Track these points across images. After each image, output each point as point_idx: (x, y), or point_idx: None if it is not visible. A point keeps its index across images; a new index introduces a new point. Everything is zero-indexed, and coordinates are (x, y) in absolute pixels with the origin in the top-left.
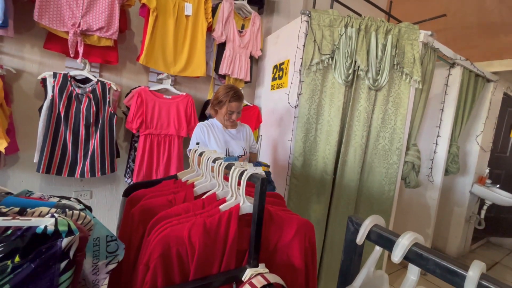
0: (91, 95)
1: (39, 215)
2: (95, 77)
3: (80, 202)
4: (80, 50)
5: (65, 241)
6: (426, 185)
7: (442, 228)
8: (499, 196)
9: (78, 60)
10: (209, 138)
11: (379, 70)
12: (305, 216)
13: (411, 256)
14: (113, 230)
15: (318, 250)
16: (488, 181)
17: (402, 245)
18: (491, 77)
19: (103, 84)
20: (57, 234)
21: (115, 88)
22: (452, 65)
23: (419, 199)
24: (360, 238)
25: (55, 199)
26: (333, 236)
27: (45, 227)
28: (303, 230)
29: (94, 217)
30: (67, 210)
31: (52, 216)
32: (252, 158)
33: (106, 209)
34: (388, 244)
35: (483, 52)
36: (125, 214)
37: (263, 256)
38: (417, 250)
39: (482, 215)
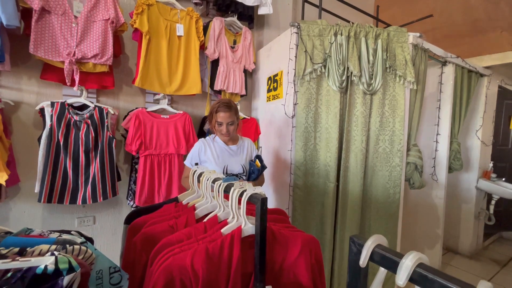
0: (89, 121)
1: (39, 254)
2: (92, 103)
3: (81, 234)
4: (76, 78)
5: (66, 279)
6: (430, 184)
7: (452, 227)
8: (505, 189)
9: (75, 88)
10: (206, 155)
11: (372, 75)
12: (312, 226)
13: (416, 278)
14: (118, 255)
15: (328, 261)
16: (493, 175)
17: (406, 266)
18: (484, 72)
19: (101, 109)
20: (58, 272)
21: (112, 112)
22: (444, 63)
23: (425, 199)
24: (363, 261)
25: (55, 235)
26: (342, 245)
27: (45, 266)
28: (308, 247)
29: (96, 249)
30: (67, 245)
31: (52, 254)
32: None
33: (110, 234)
34: (391, 265)
35: (473, 48)
36: (127, 243)
37: (269, 277)
38: (421, 271)
39: (491, 210)
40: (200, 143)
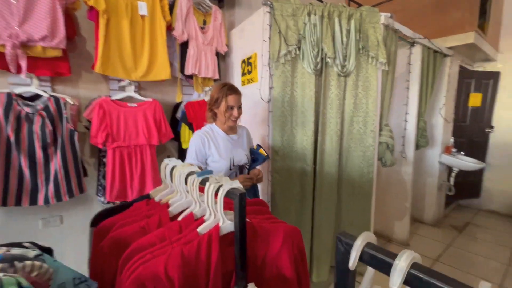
0: (44, 113)
1: None
2: (46, 92)
3: (36, 245)
4: (23, 64)
5: None
6: (400, 161)
7: (418, 199)
8: (464, 162)
9: (23, 75)
10: (210, 148)
11: (346, 56)
12: (291, 209)
13: (409, 279)
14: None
15: (308, 241)
16: (454, 149)
17: (400, 268)
18: (447, 52)
19: (57, 99)
20: None
21: (71, 102)
22: (412, 44)
23: (395, 176)
24: (353, 263)
25: (2, 250)
26: (319, 224)
27: None
28: (290, 238)
29: (55, 260)
30: (16, 262)
31: None
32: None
33: (80, 233)
34: (383, 266)
35: (438, 29)
36: (94, 249)
37: (251, 273)
38: (416, 273)
39: (452, 182)
40: (200, 136)
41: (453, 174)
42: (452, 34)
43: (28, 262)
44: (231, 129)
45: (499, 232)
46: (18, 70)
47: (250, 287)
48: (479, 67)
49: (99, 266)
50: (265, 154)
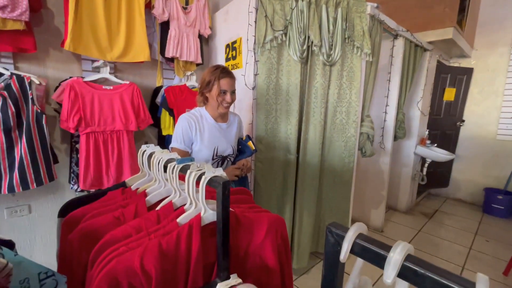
0: (5, 93)
1: None
2: (7, 70)
3: None
4: None
5: None
6: (379, 152)
7: (393, 188)
8: (436, 153)
9: None
10: (195, 135)
11: (332, 45)
12: (273, 197)
13: (404, 272)
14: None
15: (289, 228)
16: (428, 141)
17: (395, 261)
18: (427, 46)
19: (20, 78)
20: None
21: (37, 82)
22: (396, 36)
23: (373, 165)
24: (344, 256)
25: None
26: (301, 212)
27: None
28: (274, 228)
29: (16, 254)
30: None
31: None
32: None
33: (52, 222)
34: (375, 258)
35: (420, 23)
36: (62, 241)
37: (234, 263)
38: (410, 265)
39: (424, 172)
40: (187, 119)
41: (426, 165)
42: (432, 29)
43: None
44: (222, 117)
45: (464, 218)
46: None
47: (232, 278)
48: (455, 62)
49: (68, 260)
50: (253, 148)
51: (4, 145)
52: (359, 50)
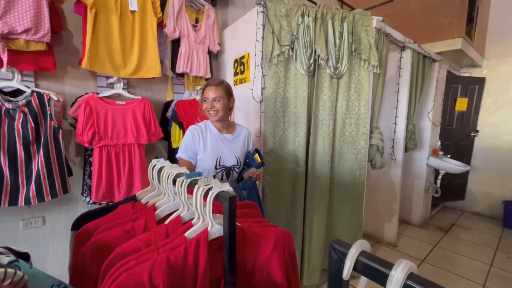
0: (26, 109)
1: None
2: (29, 87)
3: (11, 250)
4: (4, 57)
5: None
6: (389, 163)
7: (406, 201)
8: (450, 165)
9: (3, 70)
10: (199, 145)
11: (339, 58)
12: (282, 211)
13: None
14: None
15: (299, 244)
16: (441, 152)
17: (397, 279)
18: (436, 57)
19: (40, 95)
20: None
21: (56, 99)
22: (403, 48)
23: (384, 177)
24: (347, 273)
25: None
26: (311, 227)
27: None
28: (281, 242)
29: (32, 266)
30: None
31: None
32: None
33: (65, 234)
34: (377, 276)
35: (427, 34)
36: (75, 253)
37: (241, 279)
38: (412, 284)
39: (438, 184)
40: (192, 131)
41: (439, 177)
42: (440, 39)
43: (0, 270)
44: (226, 128)
45: (483, 233)
46: (0, 64)
47: None
48: (466, 72)
49: (80, 272)
50: (259, 161)
51: (23, 159)
52: (366, 63)
